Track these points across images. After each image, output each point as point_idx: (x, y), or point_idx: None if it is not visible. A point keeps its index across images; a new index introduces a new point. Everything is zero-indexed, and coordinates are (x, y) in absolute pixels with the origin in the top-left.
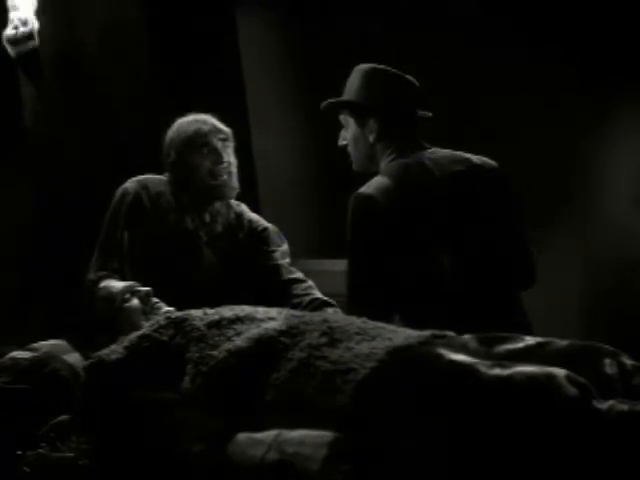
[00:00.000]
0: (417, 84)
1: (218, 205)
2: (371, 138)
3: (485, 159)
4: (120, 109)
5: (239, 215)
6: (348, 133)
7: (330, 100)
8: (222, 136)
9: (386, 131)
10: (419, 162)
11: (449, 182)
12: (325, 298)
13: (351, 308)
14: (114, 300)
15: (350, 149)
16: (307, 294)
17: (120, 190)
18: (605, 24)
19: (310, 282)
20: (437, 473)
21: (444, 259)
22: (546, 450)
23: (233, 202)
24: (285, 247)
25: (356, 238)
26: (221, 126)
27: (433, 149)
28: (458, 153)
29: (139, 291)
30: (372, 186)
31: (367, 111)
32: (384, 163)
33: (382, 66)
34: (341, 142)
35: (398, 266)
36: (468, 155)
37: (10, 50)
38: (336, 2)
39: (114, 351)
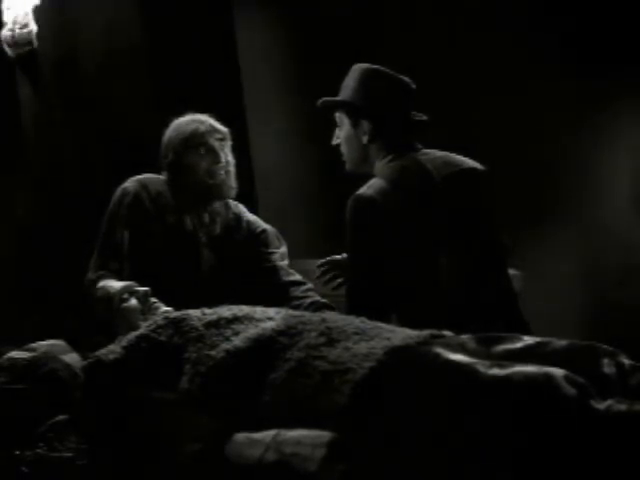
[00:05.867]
0: (413, 86)
1: (217, 206)
2: (364, 139)
3: (473, 161)
4: (118, 109)
5: (238, 216)
6: (342, 132)
7: (325, 99)
8: (219, 136)
9: (379, 133)
10: (416, 164)
11: (447, 184)
12: (324, 301)
13: (350, 308)
14: (112, 300)
15: (343, 148)
16: (306, 296)
17: (120, 190)
18: (605, 24)
19: (309, 284)
20: (435, 473)
21: (442, 260)
22: (544, 450)
23: (231, 202)
24: (284, 249)
25: (356, 239)
26: (218, 126)
27: (425, 150)
28: (450, 155)
29: (137, 291)
30: (371, 187)
31: (361, 112)
32: (380, 164)
33: (379, 67)
34: (335, 141)
35: (397, 267)
36: (459, 157)
37: (8, 51)
38: (335, 2)
39: (112, 351)
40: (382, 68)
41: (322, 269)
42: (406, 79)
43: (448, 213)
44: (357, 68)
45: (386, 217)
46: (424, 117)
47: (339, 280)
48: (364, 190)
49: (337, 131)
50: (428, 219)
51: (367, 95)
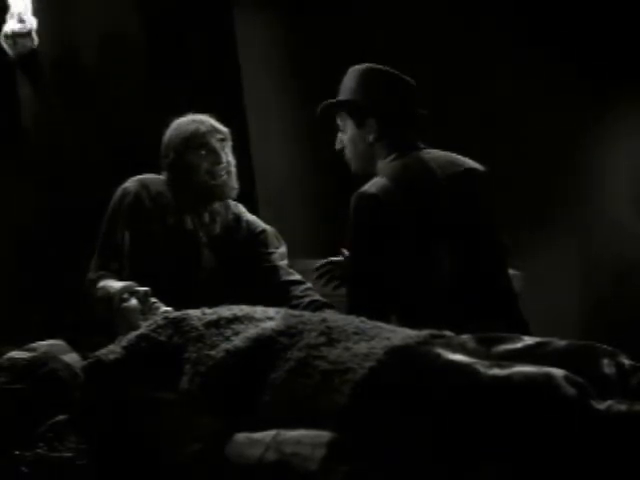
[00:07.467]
0: (413, 83)
1: (217, 206)
2: (371, 138)
3: (473, 161)
4: (119, 109)
5: (237, 216)
6: (346, 135)
7: (328, 101)
8: (220, 136)
9: (385, 131)
10: (420, 162)
11: (450, 183)
12: (324, 300)
13: (351, 307)
14: (112, 300)
15: (348, 151)
16: (306, 295)
17: (120, 190)
18: (604, 23)
19: (308, 284)
20: (435, 473)
21: (444, 259)
22: (544, 450)
23: (231, 203)
24: (283, 249)
25: (359, 236)
26: (219, 126)
27: (428, 150)
28: (452, 154)
29: (137, 291)
30: (375, 185)
31: (366, 110)
32: (383, 163)
33: (378, 66)
34: (338, 145)
35: (399, 265)
36: (460, 157)
37: (8, 50)
38: (335, 2)
39: (112, 351)
40: (381, 66)
41: (320, 271)
42: (406, 77)
43: (451, 212)
44: (356, 69)
45: (389, 215)
46: (424, 112)
47: (336, 282)
48: (367, 187)
49: (340, 135)
50: (431, 218)
51: (370, 93)
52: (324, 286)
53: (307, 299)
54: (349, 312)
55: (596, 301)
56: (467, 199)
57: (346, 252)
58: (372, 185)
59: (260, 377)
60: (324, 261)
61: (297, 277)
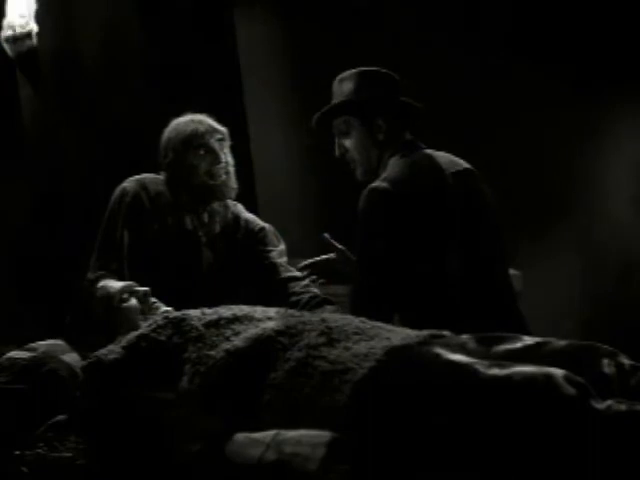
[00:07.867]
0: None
1: (216, 205)
2: (380, 136)
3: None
4: (118, 109)
5: (236, 215)
6: (351, 139)
7: (332, 104)
8: (219, 136)
9: (392, 130)
10: (426, 160)
11: (454, 181)
12: (324, 295)
13: (356, 300)
14: (112, 300)
15: (356, 156)
16: (306, 292)
17: (119, 190)
18: (602, 26)
19: (308, 280)
20: (435, 473)
21: (445, 257)
22: (544, 450)
23: (230, 202)
24: (282, 247)
25: (369, 230)
26: (217, 126)
27: (429, 149)
28: (450, 155)
29: (137, 291)
30: (386, 181)
31: (374, 109)
32: (391, 161)
33: (370, 67)
34: (338, 152)
35: (404, 262)
36: (456, 157)
37: (9, 50)
38: (335, 2)
39: (112, 351)
40: (373, 68)
41: (305, 272)
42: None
43: (455, 210)
44: (348, 73)
45: (401, 210)
46: (420, 105)
47: (322, 280)
48: (379, 183)
49: (340, 142)
50: (438, 215)
51: (375, 92)
52: (313, 282)
53: (307, 295)
54: (353, 305)
55: (596, 301)
56: (470, 198)
57: (328, 236)
58: (383, 180)
59: (260, 377)
60: (307, 262)
61: (296, 274)
